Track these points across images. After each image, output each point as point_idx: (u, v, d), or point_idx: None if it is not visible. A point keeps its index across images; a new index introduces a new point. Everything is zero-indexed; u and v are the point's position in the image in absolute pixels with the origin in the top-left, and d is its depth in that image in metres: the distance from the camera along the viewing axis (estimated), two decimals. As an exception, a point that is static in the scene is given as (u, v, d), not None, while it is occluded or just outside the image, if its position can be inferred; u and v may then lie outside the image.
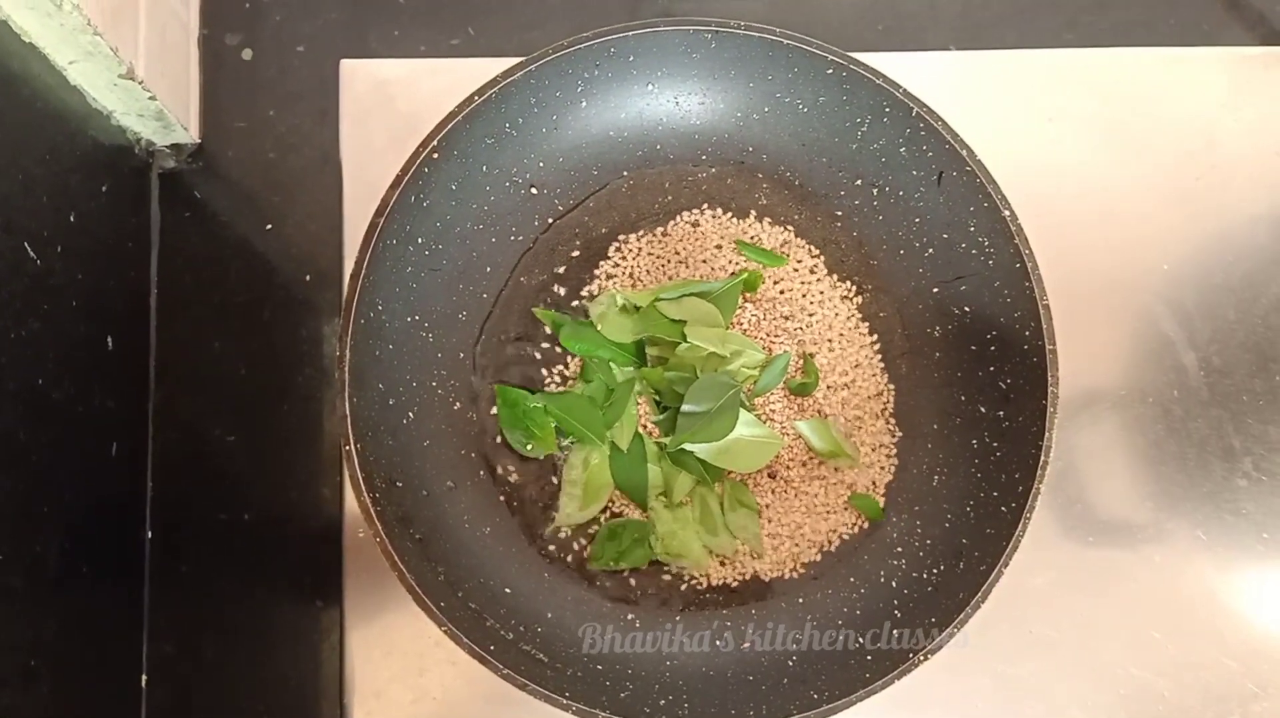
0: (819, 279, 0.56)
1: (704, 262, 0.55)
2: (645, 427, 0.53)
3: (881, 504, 0.54)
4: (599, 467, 0.52)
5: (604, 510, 0.53)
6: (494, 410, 0.53)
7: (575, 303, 0.55)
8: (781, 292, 0.56)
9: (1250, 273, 0.61)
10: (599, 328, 0.54)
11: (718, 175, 0.57)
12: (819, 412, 0.54)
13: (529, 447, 0.52)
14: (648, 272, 0.56)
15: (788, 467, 0.54)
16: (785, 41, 0.51)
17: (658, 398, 0.53)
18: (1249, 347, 0.60)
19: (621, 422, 0.52)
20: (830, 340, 0.55)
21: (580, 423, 0.52)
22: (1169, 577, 0.57)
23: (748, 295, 0.55)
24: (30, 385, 0.46)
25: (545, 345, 0.54)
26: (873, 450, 0.54)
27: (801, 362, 0.55)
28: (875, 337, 0.56)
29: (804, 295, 0.56)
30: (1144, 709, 0.56)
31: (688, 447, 0.51)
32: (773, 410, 0.54)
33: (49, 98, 0.50)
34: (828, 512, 0.54)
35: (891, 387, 0.55)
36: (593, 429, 0.52)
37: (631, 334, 0.53)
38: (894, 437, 0.55)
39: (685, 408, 0.50)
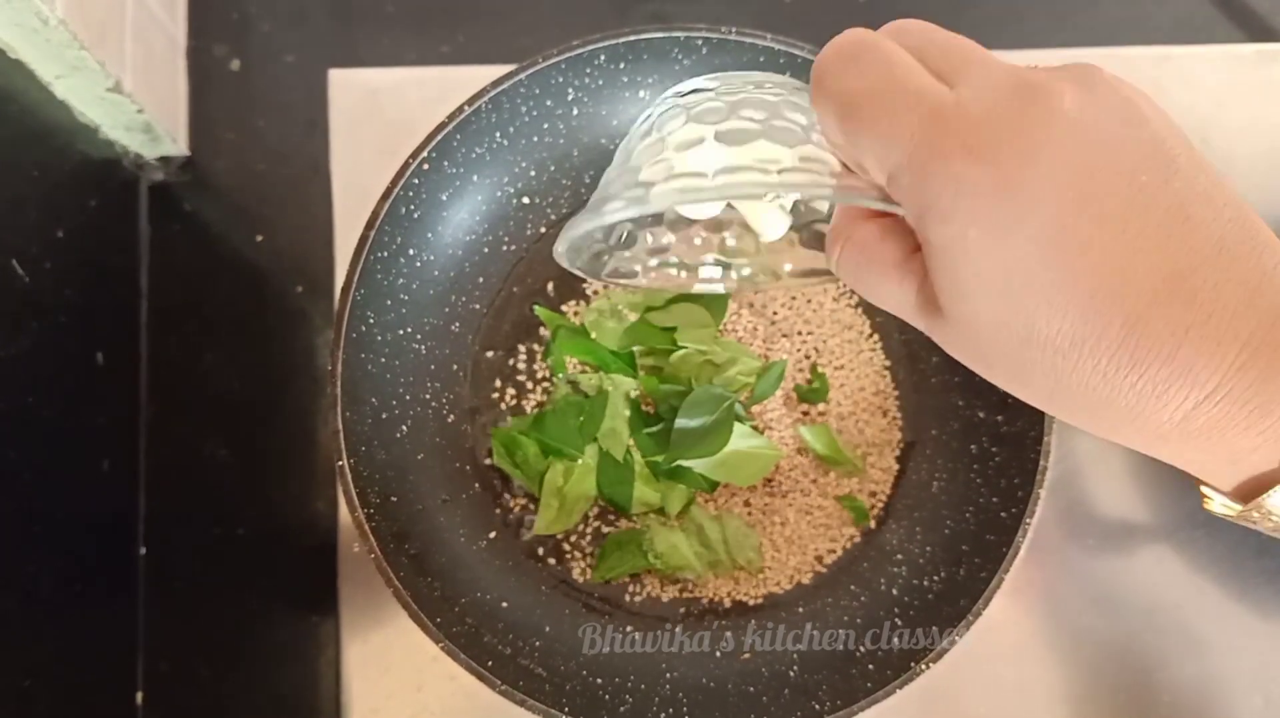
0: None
1: (698, 268, 0.55)
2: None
3: (881, 510, 0.53)
4: (578, 479, 0.52)
5: (591, 521, 0.53)
6: (487, 422, 0.53)
7: (569, 312, 0.55)
8: (777, 297, 0.55)
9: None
10: (593, 335, 0.53)
11: (711, 181, 0.56)
12: (817, 417, 0.54)
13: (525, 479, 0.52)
14: (642, 279, 0.55)
15: (787, 476, 0.53)
16: (777, 47, 0.51)
17: (648, 410, 0.53)
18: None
19: (615, 431, 0.52)
20: (830, 345, 0.55)
21: (557, 440, 0.51)
22: (1171, 578, 0.57)
23: (742, 301, 0.55)
24: (20, 404, 0.46)
25: (537, 352, 0.54)
26: (874, 457, 0.54)
27: (805, 366, 0.54)
28: (875, 337, 0.55)
29: (802, 301, 0.55)
30: (1148, 712, 0.56)
31: (683, 461, 0.50)
32: (771, 419, 0.54)
33: (36, 113, 0.49)
34: (827, 521, 0.53)
35: (896, 392, 0.55)
36: (571, 444, 0.51)
37: (625, 343, 0.53)
38: (895, 443, 0.54)
39: (679, 423, 0.50)
